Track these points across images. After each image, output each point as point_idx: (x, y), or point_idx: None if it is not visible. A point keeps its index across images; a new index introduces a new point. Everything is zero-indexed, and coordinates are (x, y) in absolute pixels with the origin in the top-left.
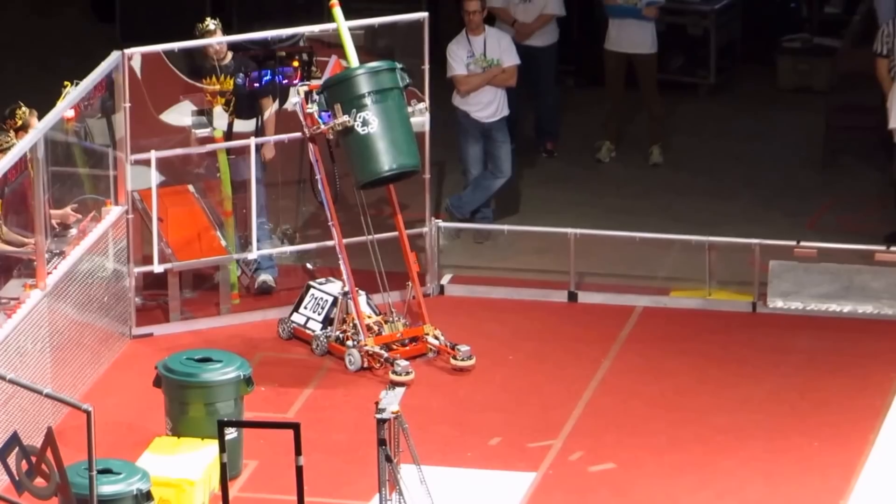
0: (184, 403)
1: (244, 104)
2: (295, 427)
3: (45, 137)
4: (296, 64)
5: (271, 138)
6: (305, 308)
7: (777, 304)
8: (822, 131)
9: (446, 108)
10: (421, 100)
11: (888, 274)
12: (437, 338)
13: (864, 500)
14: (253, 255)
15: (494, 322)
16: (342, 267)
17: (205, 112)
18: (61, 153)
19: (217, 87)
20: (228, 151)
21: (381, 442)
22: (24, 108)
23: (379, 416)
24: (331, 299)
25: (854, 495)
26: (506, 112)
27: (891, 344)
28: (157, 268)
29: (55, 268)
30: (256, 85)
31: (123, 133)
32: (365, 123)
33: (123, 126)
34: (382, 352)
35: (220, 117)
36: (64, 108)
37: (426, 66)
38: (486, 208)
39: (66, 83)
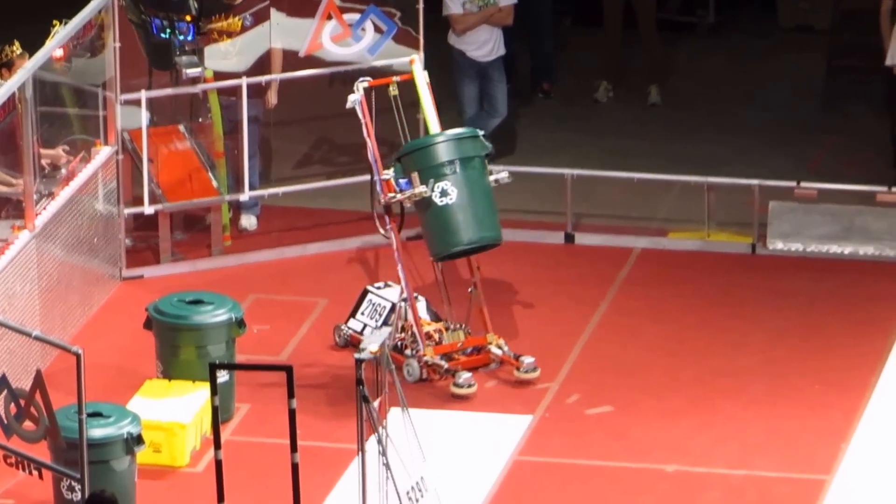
0: (175, 346)
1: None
2: (287, 370)
3: (33, 77)
4: (188, 18)
5: (276, 76)
6: (363, 314)
7: (777, 245)
8: (823, 71)
9: (442, 47)
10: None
11: (889, 215)
12: (500, 347)
13: (866, 442)
14: (245, 196)
15: (488, 264)
16: (399, 272)
17: (196, 51)
18: (50, 93)
19: (224, 25)
20: (222, 92)
21: (359, 382)
22: (14, 47)
23: (358, 355)
24: (389, 305)
25: (856, 437)
26: (502, 51)
27: (892, 286)
28: (148, 209)
29: (44, 209)
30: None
31: (113, 73)
32: (444, 194)
33: (113, 66)
34: (442, 363)
35: (214, 57)
36: (52, 47)
37: (420, 6)
38: None
39: (55, 22)
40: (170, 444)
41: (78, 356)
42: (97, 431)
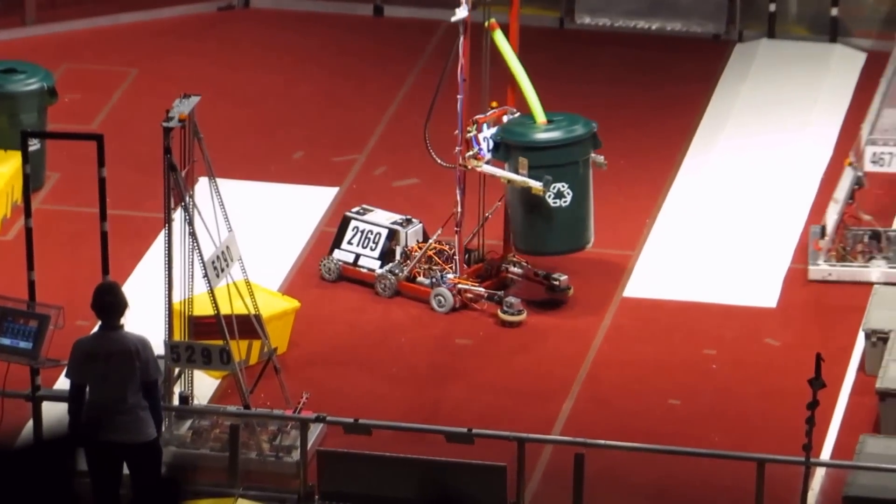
0: None
1: None
2: (98, 139)
3: None
4: None
5: None
6: (351, 243)
7: (584, 20)
8: None
9: None
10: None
11: None
12: (519, 266)
13: (670, 219)
14: None
15: (300, 35)
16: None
17: None
18: None
19: None
20: None
21: (167, 150)
22: None
23: (166, 123)
24: (385, 231)
25: (662, 213)
26: None
27: (699, 63)
28: None
29: None
30: None
31: None
32: (559, 196)
33: None
34: (481, 289)
35: None
36: None
37: None
38: None
39: None
40: None
41: None
42: None
